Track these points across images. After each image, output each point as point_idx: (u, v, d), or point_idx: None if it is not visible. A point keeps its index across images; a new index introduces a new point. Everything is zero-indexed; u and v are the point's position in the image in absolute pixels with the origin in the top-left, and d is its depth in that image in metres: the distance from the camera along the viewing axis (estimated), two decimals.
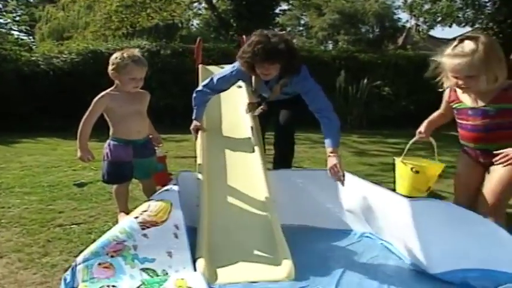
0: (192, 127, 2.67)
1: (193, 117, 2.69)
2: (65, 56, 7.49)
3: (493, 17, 11.35)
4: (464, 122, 1.98)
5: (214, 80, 2.61)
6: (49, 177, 3.44)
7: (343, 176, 2.13)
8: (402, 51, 13.83)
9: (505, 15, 11.04)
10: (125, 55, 2.15)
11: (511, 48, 11.67)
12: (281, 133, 2.87)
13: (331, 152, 2.18)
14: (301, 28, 30.19)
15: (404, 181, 2.12)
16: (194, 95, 2.69)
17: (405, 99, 8.88)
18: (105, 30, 10.96)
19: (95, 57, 7.28)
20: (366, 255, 1.92)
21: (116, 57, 2.16)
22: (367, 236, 2.15)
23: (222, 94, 2.88)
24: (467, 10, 13.03)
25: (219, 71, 2.80)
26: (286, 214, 2.14)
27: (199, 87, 2.71)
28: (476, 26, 12.89)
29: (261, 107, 2.81)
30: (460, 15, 13.30)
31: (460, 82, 1.83)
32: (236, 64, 2.52)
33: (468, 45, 1.78)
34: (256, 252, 1.78)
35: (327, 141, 2.25)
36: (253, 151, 2.56)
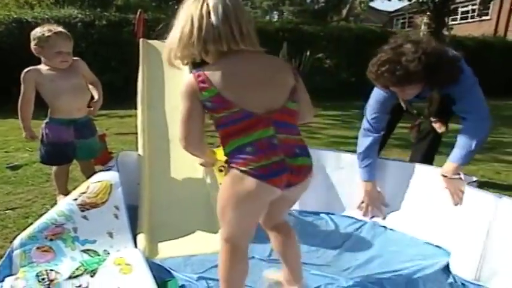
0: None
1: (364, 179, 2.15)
2: None
3: None
4: None
5: (368, 113, 2.17)
6: None
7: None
8: (345, 23, 14.19)
9: None
10: (45, 28, 2.07)
11: (443, 23, 12.45)
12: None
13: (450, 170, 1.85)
14: None
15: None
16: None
17: (346, 71, 9.23)
18: None
19: (21, 27, 6.74)
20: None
21: (37, 32, 2.07)
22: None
23: (166, 74, 2.81)
24: None
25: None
26: None
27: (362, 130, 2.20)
28: (413, 0, 13.52)
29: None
30: None
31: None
32: None
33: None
34: (196, 227, 1.86)
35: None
36: None
